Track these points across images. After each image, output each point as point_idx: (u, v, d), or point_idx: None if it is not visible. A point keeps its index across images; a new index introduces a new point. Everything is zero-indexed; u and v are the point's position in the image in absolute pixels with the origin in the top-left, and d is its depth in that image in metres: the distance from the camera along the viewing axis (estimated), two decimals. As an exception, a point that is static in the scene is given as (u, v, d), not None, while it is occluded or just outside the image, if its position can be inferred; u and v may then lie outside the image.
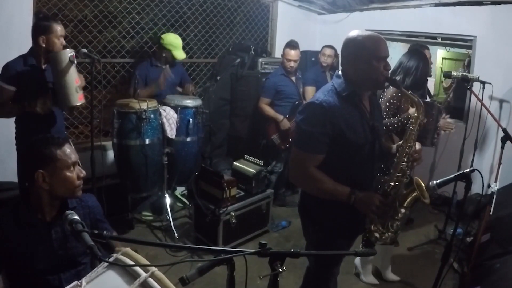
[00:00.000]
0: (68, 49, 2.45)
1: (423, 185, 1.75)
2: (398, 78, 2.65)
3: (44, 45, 2.47)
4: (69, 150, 1.50)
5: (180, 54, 3.54)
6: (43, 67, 2.56)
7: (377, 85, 1.74)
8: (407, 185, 1.83)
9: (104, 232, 1.10)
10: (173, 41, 3.50)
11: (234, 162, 3.59)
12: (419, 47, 3.50)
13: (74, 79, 2.47)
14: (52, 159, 1.45)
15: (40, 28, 2.46)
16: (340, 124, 1.62)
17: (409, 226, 3.61)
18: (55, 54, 2.44)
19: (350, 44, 1.67)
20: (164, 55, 3.52)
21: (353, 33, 1.68)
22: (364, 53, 1.62)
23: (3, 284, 1.50)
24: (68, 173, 1.48)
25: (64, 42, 2.54)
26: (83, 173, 1.55)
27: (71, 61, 2.41)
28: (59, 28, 2.48)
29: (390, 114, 2.55)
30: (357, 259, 2.89)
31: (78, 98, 2.51)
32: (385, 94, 2.60)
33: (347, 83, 1.68)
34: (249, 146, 4.21)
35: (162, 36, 3.54)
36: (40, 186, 1.45)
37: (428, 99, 3.34)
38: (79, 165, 1.56)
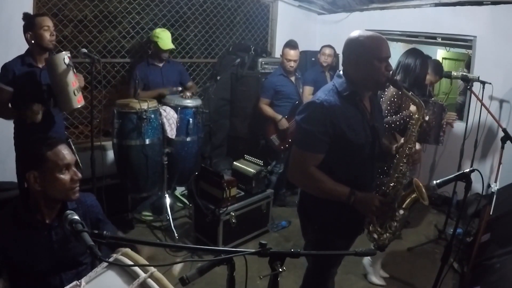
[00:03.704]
0: (63, 52, 2.43)
1: (422, 186, 1.76)
2: (398, 77, 2.65)
3: (33, 41, 2.47)
4: (62, 152, 1.45)
5: (165, 45, 3.47)
6: (41, 66, 2.56)
7: (378, 85, 1.74)
8: (407, 186, 1.83)
9: (104, 232, 1.10)
10: (160, 33, 3.50)
11: (234, 162, 3.59)
12: (433, 60, 3.48)
13: (71, 82, 2.45)
14: (42, 160, 1.41)
15: (25, 26, 2.47)
16: (340, 124, 1.62)
17: (406, 228, 3.60)
18: (49, 59, 2.42)
19: (352, 44, 1.67)
20: (156, 50, 3.50)
21: (355, 33, 1.68)
22: (365, 54, 1.62)
23: (4, 285, 1.50)
24: (59, 175, 1.44)
25: (54, 34, 2.52)
26: (78, 176, 1.49)
27: (66, 64, 2.39)
28: (42, 20, 2.46)
29: (392, 112, 2.55)
30: (365, 260, 2.88)
31: (76, 101, 2.50)
32: (386, 93, 2.61)
33: (348, 83, 1.68)
34: (249, 146, 4.20)
35: (152, 32, 3.58)
36: (33, 187, 1.43)
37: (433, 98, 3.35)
38: (78, 167, 1.53)
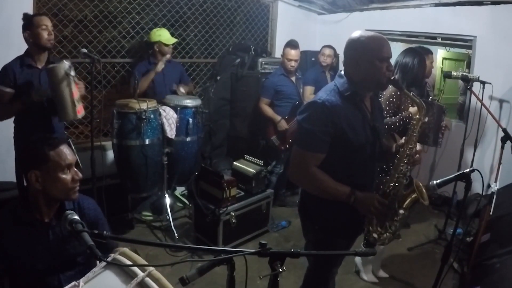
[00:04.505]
0: (64, 63, 2.41)
1: (422, 186, 1.76)
2: (396, 77, 2.65)
3: (31, 40, 2.46)
4: (64, 152, 1.46)
5: (169, 39, 3.53)
6: (40, 66, 2.56)
7: (379, 85, 1.74)
8: (407, 186, 1.83)
9: (104, 232, 1.10)
10: (157, 32, 3.53)
11: (234, 162, 3.59)
12: (420, 49, 3.48)
13: (72, 93, 2.44)
14: (44, 160, 1.42)
15: (23, 26, 2.46)
16: (341, 123, 1.62)
17: (406, 229, 3.60)
18: (50, 68, 2.41)
19: (353, 45, 1.67)
20: (157, 49, 3.51)
21: (356, 33, 1.68)
22: (367, 54, 1.62)
23: (3, 284, 1.50)
24: (61, 175, 1.44)
25: (52, 33, 2.50)
26: (79, 176, 1.50)
27: (67, 74, 2.38)
28: (40, 19, 2.45)
29: (391, 113, 2.55)
30: (358, 257, 2.89)
31: (76, 112, 2.49)
32: (384, 93, 2.61)
33: (350, 83, 1.68)
34: (249, 146, 4.20)
35: (148, 35, 3.59)
36: (34, 186, 1.43)
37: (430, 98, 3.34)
38: (79, 166, 1.54)
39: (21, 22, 2.49)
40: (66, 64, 2.39)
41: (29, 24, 2.45)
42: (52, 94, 2.49)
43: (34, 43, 2.48)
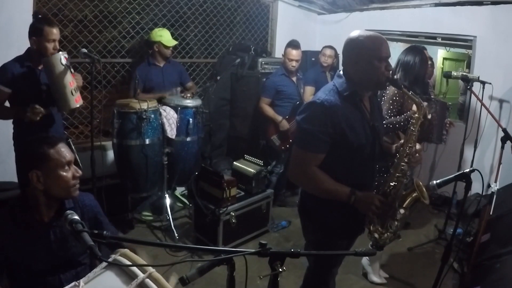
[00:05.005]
0: (59, 53, 2.41)
1: (422, 185, 1.76)
2: (398, 75, 2.66)
3: (35, 47, 2.46)
4: (63, 149, 1.48)
5: (170, 41, 3.54)
6: (39, 68, 2.55)
7: (378, 85, 1.74)
8: (407, 186, 1.83)
9: (104, 232, 1.10)
10: (159, 32, 3.53)
11: (234, 162, 3.59)
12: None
13: (68, 83, 2.44)
14: (45, 158, 1.43)
15: (32, 29, 2.44)
16: (341, 123, 1.62)
17: (406, 229, 3.60)
18: (46, 59, 2.41)
19: (352, 44, 1.67)
20: (156, 49, 3.52)
21: (355, 33, 1.68)
22: (365, 53, 1.62)
23: (4, 284, 1.50)
24: (62, 173, 1.46)
25: (57, 46, 2.50)
26: (79, 173, 1.52)
27: (63, 65, 2.38)
28: (51, 32, 2.43)
29: (394, 111, 2.55)
30: (364, 259, 2.88)
31: (74, 101, 2.49)
32: (387, 92, 2.61)
33: (349, 83, 1.68)
34: (249, 146, 4.20)
35: (149, 34, 3.59)
36: (35, 186, 1.44)
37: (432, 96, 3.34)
38: (78, 164, 1.54)
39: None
40: (61, 54, 2.39)
41: (38, 32, 2.41)
42: (49, 85, 2.49)
43: (38, 52, 2.47)
